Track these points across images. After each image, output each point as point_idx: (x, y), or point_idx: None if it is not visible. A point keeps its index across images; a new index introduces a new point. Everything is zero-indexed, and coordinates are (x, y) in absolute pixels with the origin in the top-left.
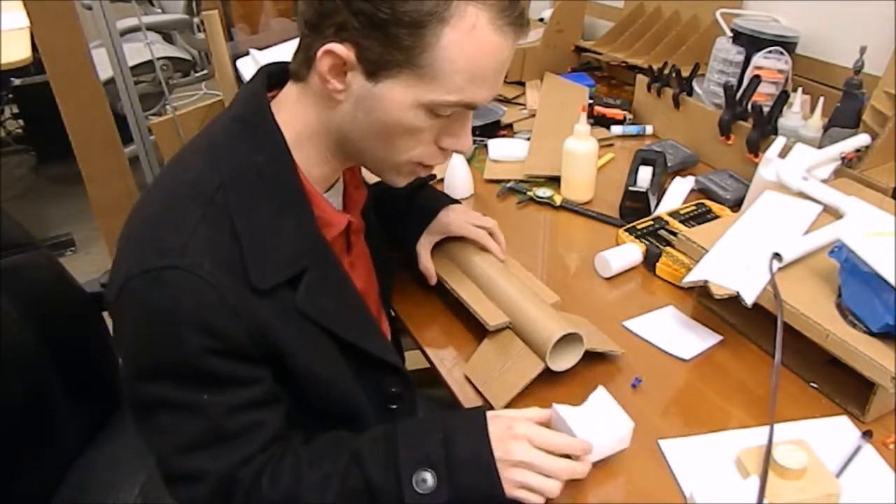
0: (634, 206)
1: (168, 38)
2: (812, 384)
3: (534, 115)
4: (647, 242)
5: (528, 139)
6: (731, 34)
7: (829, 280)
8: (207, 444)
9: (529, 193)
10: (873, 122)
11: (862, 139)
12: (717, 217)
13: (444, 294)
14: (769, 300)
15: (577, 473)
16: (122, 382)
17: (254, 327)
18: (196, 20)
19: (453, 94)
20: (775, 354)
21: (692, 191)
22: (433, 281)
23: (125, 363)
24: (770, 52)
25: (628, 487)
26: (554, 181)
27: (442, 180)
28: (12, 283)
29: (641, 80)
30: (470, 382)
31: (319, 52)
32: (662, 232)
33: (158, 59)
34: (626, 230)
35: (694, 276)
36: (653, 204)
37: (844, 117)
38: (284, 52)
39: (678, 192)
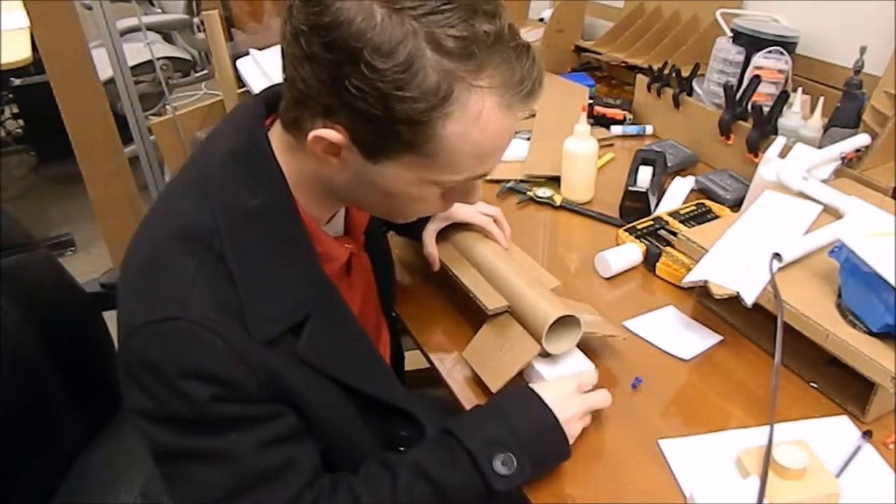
0: (634, 206)
1: (168, 38)
2: (812, 384)
3: (534, 115)
4: (647, 242)
5: (528, 139)
6: (731, 34)
7: (829, 280)
8: (247, 490)
9: (529, 193)
10: (873, 122)
11: (862, 139)
12: (717, 217)
13: (444, 294)
14: (769, 300)
15: (606, 400)
16: (141, 433)
17: (264, 376)
18: (196, 20)
19: (460, 174)
20: (775, 354)
21: (692, 191)
22: (436, 267)
23: (139, 413)
24: (770, 52)
25: (628, 487)
26: (554, 181)
27: None
28: (12, 283)
29: (641, 80)
30: (470, 381)
31: (309, 136)
32: (662, 232)
33: (158, 59)
34: (626, 230)
35: (694, 276)
36: (653, 204)
37: (844, 117)
38: None
39: (678, 192)
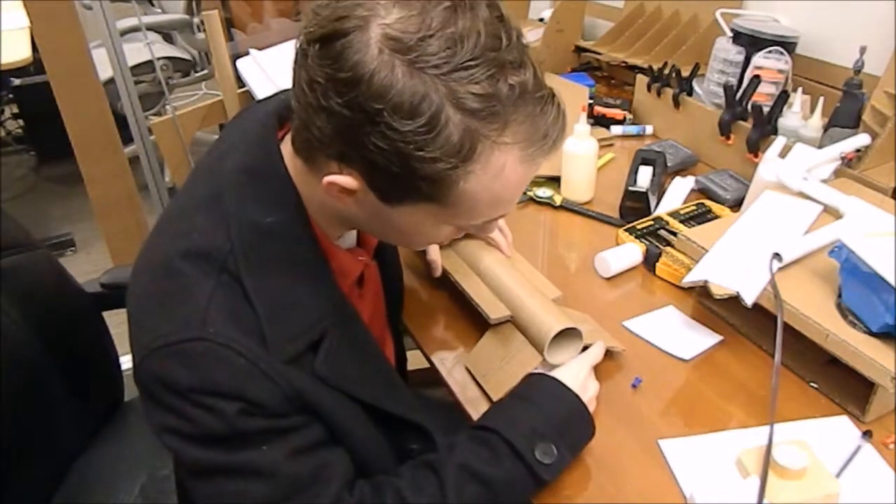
0: (634, 206)
1: (168, 38)
2: (812, 384)
3: None
4: (647, 242)
5: None
6: (731, 34)
7: (829, 280)
8: (284, 500)
9: (529, 193)
10: (873, 122)
11: (862, 139)
12: (717, 217)
13: (444, 294)
14: (769, 300)
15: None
16: (171, 450)
17: (288, 391)
18: (196, 20)
19: (478, 219)
20: (775, 354)
21: (692, 191)
22: (438, 273)
23: (166, 430)
24: (770, 52)
25: (628, 488)
26: (554, 181)
27: None
28: (12, 283)
29: (641, 80)
30: (471, 378)
31: (324, 182)
32: (662, 232)
33: (158, 59)
34: (626, 230)
35: (694, 276)
36: (653, 204)
37: (844, 117)
38: (284, 52)
39: (678, 192)
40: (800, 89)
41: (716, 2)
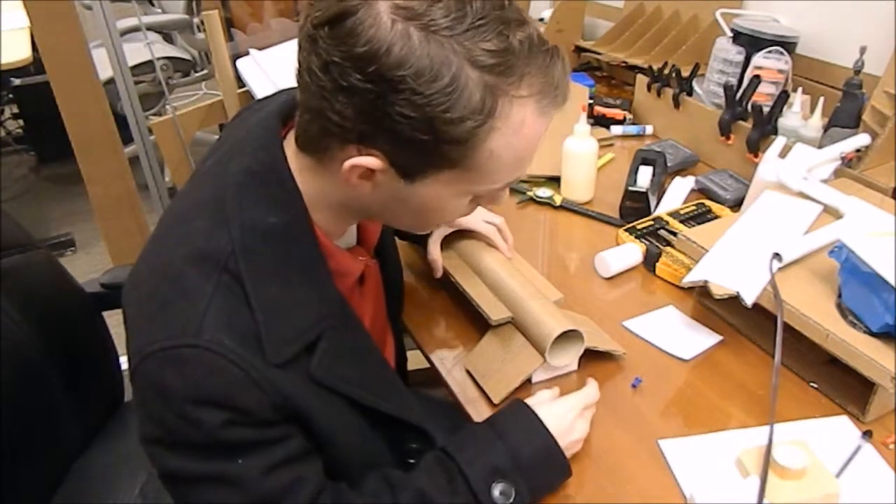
0: (634, 206)
1: (168, 38)
2: (812, 384)
3: None
4: (647, 242)
5: None
6: (731, 34)
7: (829, 280)
8: None
9: (529, 193)
10: (873, 122)
11: (862, 139)
12: (717, 217)
13: (444, 294)
14: (769, 300)
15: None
16: (151, 458)
17: (278, 400)
18: (196, 20)
19: (499, 182)
20: (775, 354)
21: (692, 191)
22: (439, 273)
23: (150, 440)
24: (770, 52)
25: (628, 488)
26: (554, 181)
27: None
28: (12, 283)
29: (641, 80)
30: (471, 378)
31: (345, 166)
32: (662, 232)
33: (158, 59)
34: (626, 230)
35: (694, 276)
36: (653, 204)
37: (844, 117)
38: (284, 52)
39: (678, 192)
40: (800, 89)
41: (716, 2)
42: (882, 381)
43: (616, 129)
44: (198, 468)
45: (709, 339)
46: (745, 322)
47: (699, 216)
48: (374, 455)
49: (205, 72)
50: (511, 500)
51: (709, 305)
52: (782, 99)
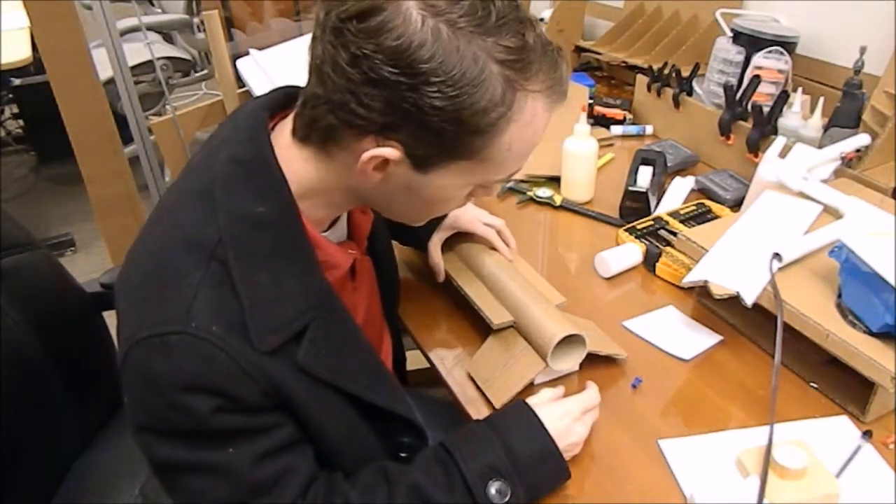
0: (634, 206)
1: (168, 38)
2: (812, 384)
3: None
4: (647, 242)
5: None
6: (731, 34)
7: (829, 280)
8: (241, 502)
9: (529, 193)
10: (873, 122)
11: (862, 139)
12: (717, 217)
13: (444, 294)
14: (769, 300)
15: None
16: (141, 446)
17: (268, 387)
18: (196, 20)
19: (504, 174)
20: (775, 354)
21: (692, 191)
22: (441, 277)
23: (140, 428)
24: (770, 52)
25: (628, 487)
26: (554, 181)
27: None
28: (12, 283)
29: (641, 80)
30: (471, 381)
31: (365, 157)
32: (662, 232)
33: (158, 59)
34: (626, 230)
35: (694, 276)
36: (653, 204)
37: (844, 117)
38: (284, 52)
39: (678, 192)
40: (800, 89)
41: (716, 2)
42: (882, 381)
43: (616, 129)
44: (187, 456)
45: (709, 339)
46: (745, 322)
47: (699, 216)
48: (364, 447)
49: (205, 72)
50: (507, 500)
51: (709, 305)
52: (782, 99)
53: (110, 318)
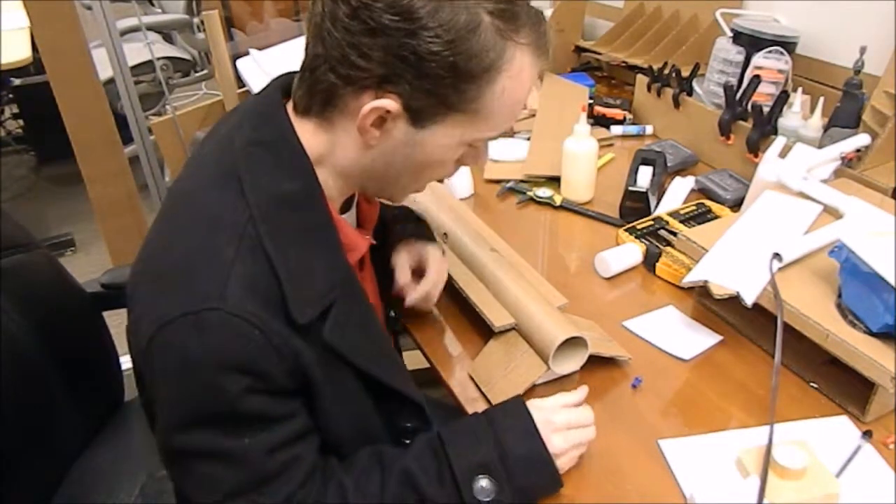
0: (634, 206)
1: (168, 38)
2: (812, 384)
3: (534, 115)
4: (647, 242)
5: (528, 139)
6: (731, 34)
7: (829, 280)
8: (248, 490)
9: (529, 193)
10: (873, 122)
11: (862, 139)
12: (717, 217)
13: (445, 294)
14: (769, 300)
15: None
16: (159, 432)
17: (294, 366)
18: (196, 20)
19: (496, 130)
20: (775, 354)
21: (692, 191)
22: (410, 301)
23: (161, 413)
24: (770, 52)
25: (628, 487)
26: (554, 181)
27: (442, 180)
28: (12, 283)
29: (641, 80)
30: (472, 381)
31: (365, 109)
32: (662, 232)
33: (158, 59)
34: (626, 230)
35: (694, 276)
36: (653, 204)
37: (844, 117)
38: (284, 52)
39: (678, 192)
40: (800, 89)
41: (716, 2)
42: (882, 381)
43: (616, 129)
44: (207, 443)
45: (709, 339)
46: (745, 322)
47: (699, 216)
48: (370, 428)
49: (205, 72)
50: (493, 497)
51: (709, 305)
52: (782, 99)
53: (110, 318)
